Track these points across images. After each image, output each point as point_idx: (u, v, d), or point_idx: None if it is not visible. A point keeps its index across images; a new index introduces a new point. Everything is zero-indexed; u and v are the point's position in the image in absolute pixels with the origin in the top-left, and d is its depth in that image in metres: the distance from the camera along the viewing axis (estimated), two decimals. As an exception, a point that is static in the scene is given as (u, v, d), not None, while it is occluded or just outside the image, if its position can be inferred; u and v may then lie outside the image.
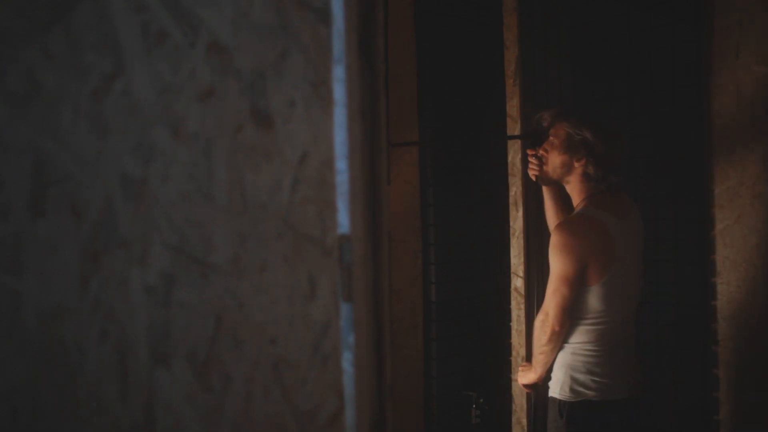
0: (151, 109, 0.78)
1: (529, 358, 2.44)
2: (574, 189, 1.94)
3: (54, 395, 0.74)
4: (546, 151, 1.96)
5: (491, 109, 2.94)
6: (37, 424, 0.73)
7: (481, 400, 2.47)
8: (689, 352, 2.38)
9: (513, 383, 2.95)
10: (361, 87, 0.86)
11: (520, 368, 2.03)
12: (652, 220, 2.48)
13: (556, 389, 1.90)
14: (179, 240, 0.79)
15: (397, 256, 2.72)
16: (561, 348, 1.89)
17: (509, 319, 3.00)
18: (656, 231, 2.47)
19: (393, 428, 0.92)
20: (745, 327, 2.20)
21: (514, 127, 2.92)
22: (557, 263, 1.83)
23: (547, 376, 1.97)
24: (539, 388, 2.13)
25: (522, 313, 2.67)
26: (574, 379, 1.86)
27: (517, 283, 2.67)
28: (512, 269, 2.81)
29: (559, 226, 1.87)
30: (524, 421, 2.85)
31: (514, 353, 2.97)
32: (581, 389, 1.85)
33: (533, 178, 2.07)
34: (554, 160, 1.94)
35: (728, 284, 2.24)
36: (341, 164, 0.85)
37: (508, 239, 2.65)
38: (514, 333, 2.96)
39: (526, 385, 2.09)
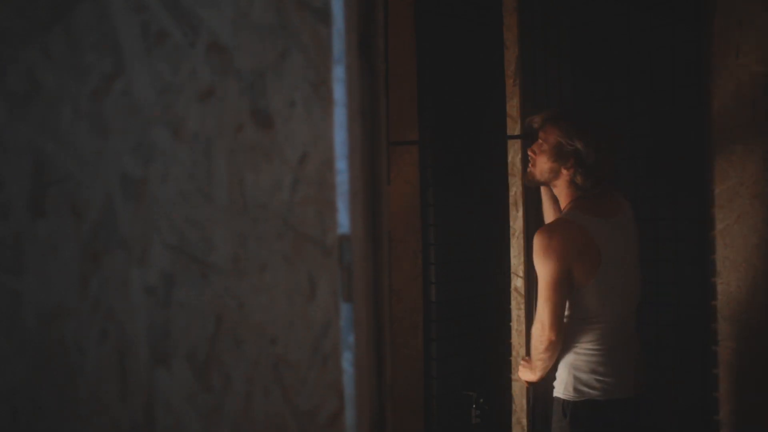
0: (151, 109, 0.78)
1: (529, 352, 2.43)
2: (561, 193, 1.94)
3: (54, 395, 0.74)
4: (534, 153, 1.95)
5: (491, 109, 2.94)
6: (37, 424, 0.73)
7: (481, 400, 2.47)
8: (689, 352, 2.38)
9: (513, 383, 2.95)
10: (361, 87, 0.86)
11: (521, 363, 2.03)
12: (652, 220, 2.48)
13: (560, 389, 1.90)
14: (179, 240, 0.79)
15: (397, 256, 2.73)
16: (567, 349, 1.89)
17: (509, 319, 3.00)
18: (656, 231, 2.47)
19: (393, 428, 0.92)
20: (745, 327, 2.20)
21: (514, 127, 2.91)
22: (541, 269, 1.83)
23: (551, 376, 1.97)
24: (538, 386, 2.14)
25: (522, 313, 2.67)
26: (577, 379, 1.86)
27: (517, 283, 2.67)
28: (512, 269, 2.81)
29: (538, 232, 1.87)
30: (524, 421, 2.85)
31: (514, 353, 2.97)
32: (585, 389, 1.85)
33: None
34: (542, 165, 1.93)
35: (728, 284, 2.24)
36: (341, 164, 0.85)
37: (508, 239, 2.65)
38: (514, 333, 2.96)
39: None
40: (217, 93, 0.80)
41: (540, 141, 1.94)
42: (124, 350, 0.77)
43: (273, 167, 0.83)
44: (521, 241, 2.60)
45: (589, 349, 1.85)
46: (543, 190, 2.14)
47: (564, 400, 1.88)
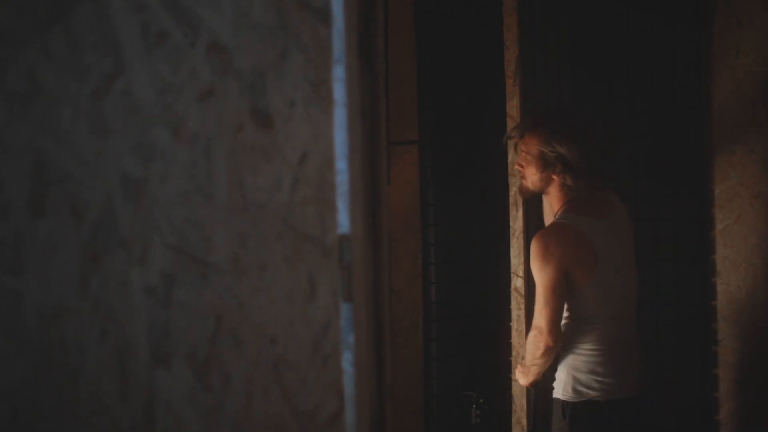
0: (151, 109, 0.78)
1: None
2: (554, 198, 1.93)
3: (54, 395, 0.74)
4: (522, 166, 1.94)
5: (491, 109, 2.94)
6: (37, 424, 0.73)
7: (481, 400, 2.47)
8: (689, 352, 2.38)
9: (513, 383, 2.95)
10: (361, 87, 0.86)
11: (517, 368, 2.04)
12: (652, 220, 2.48)
13: (559, 390, 1.90)
14: (179, 240, 0.79)
15: (397, 256, 2.73)
16: (566, 350, 1.89)
17: (509, 319, 3.00)
18: (656, 231, 2.47)
19: (393, 428, 0.92)
20: (745, 327, 2.20)
21: (514, 127, 2.91)
22: (538, 274, 1.83)
23: (550, 377, 1.97)
24: (539, 386, 2.14)
25: (522, 313, 2.67)
26: (576, 380, 1.85)
27: (517, 283, 2.67)
28: (512, 269, 2.81)
29: (535, 237, 1.86)
30: (524, 421, 2.85)
31: (514, 353, 2.97)
32: (584, 389, 1.85)
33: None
34: (532, 176, 1.92)
35: (728, 284, 2.24)
36: (341, 164, 0.85)
37: (508, 239, 2.65)
38: (514, 333, 2.96)
39: None
40: (217, 93, 0.80)
41: (523, 153, 1.93)
42: (124, 350, 0.77)
43: (273, 167, 0.83)
44: (521, 241, 2.60)
45: (588, 350, 1.85)
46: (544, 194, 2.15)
47: (563, 400, 1.88)
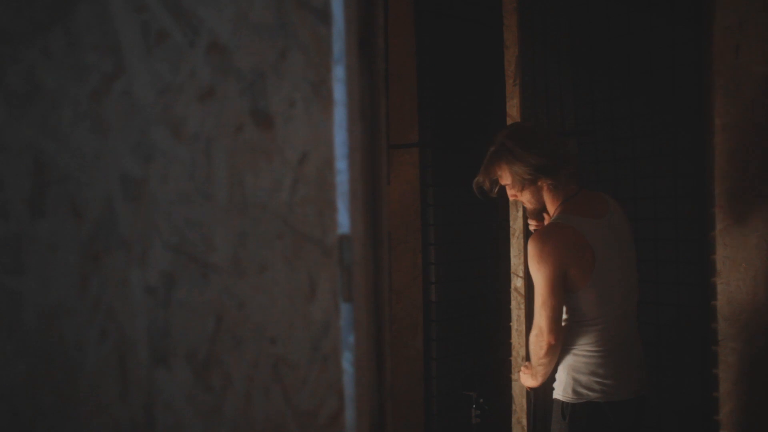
0: (151, 109, 0.78)
1: (529, 357, 2.44)
2: (549, 203, 1.97)
3: (54, 395, 0.74)
4: (515, 195, 2.01)
5: (491, 109, 2.94)
6: (37, 424, 0.73)
7: (481, 400, 2.47)
8: (689, 352, 2.38)
9: (513, 383, 2.95)
10: (361, 87, 0.86)
11: (522, 368, 2.03)
12: (652, 220, 2.48)
13: (559, 391, 1.89)
14: (179, 240, 0.79)
15: (397, 256, 2.73)
16: (566, 351, 1.89)
17: (509, 319, 3.00)
18: (656, 231, 2.47)
19: (393, 428, 0.92)
20: (745, 327, 2.20)
21: (514, 127, 2.91)
22: (537, 274, 1.84)
23: (551, 378, 1.97)
24: (538, 387, 2.14)
25: (522, 313, 2.67)
26: (576, 381, 1.85)
27: (517, 283, 2.67)
28: (512, 269, 2.81)
29: (532, 237, 1.88)
30: (524, 421, 2.85)
31: (514, 353, 2.97)
32: (584, 391, 1.84)
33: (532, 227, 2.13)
34: (526, 199, 1.99)
35: (728, 284, 2.24)
36: (341, 164, 0.85)
37: (508, 239, 2.65)
38: (514, 333, 2.96)
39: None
40: (217, 93, 0.80)
41: (506, 187, 2.00)
42: (124, 350, 0.77)
43: (273, 167, 0.83)
44: (521, 241, 2.60)
45: (589, 351, 1.85)
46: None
47: (563, 402, 1.88)
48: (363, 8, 0.86)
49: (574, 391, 1.85)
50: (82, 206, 0.75)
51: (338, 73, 0.85)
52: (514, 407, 2.95)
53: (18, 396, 0.72)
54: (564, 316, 1.92)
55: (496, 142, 1.97)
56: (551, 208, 1.96)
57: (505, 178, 1.97)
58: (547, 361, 1.87)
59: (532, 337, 1.89)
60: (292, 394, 0.85)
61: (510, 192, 2.01)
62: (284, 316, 0.84)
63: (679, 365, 2.40)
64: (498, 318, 2.98)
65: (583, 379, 1.84)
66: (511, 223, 2.65)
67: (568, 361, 1.88)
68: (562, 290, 1.82)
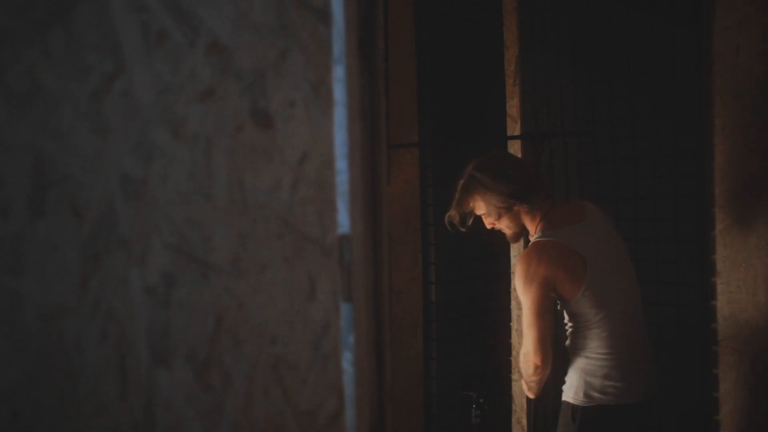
0: (151, 109, 0.78)
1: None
2: (529, 224, 1.99)
3: (54, 395, 0.74)
4: (493, 224, 2.03)
5: (491, 109, 2.94)
6: (37, 424, 0.73)
7: (481, 400, 2.47)
8: (689, 352, 2.38)
9: (513, 383, 2.95)
10: (361, 87, 0.86)
11: (522, 381, 2.03)
12: (652, 220, 2.48)
13: (570, 393, 1.88)
14: (179, 240, 0.79)
15: (397, 256, 2.73)
16: (577, 355, 1.89)
17: (509, 319, 3.00)
18: (656, 231, 2.47)
19: (393, 428, 0.92)
20: (745, 327, 2.20)
21: (514, 127, 2.91)
22: (523, 297, 1.86)
23: (560, 380, 1.96)
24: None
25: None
26: (588, 384, 1.84)
27: (517, 283, 2.67)
28: (512, 269, 2.81)
29: (518, 259, 1.90)
30: (524, 421, 2.85)
31: (514, 353, 2.96)
32: (596, 394, 1.84)
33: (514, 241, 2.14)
34: (506, 227, 2.01)
35: (728, 284, 2.23)
36: (341, 164, 0.85)
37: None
38: (514, 333, 2.96)
39: None
40: (217, 93, 0.80)
41: (482, 217, 2.03)
42: (124, 350, 0.77)
43: (273, 167, 0.83)
44: (521, 241, 2.60)
45: (601, 354, 1.83)
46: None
47: (573, 404, 1.87)
48: (363, 8, 0.86)
49: (586, 395, 1.84)
50: (82, 206, 0.74)
51: (338, 73, 0.85)
52: (514, 407, 2.94)
53: (18, 396, 0.72)
54: (569, 324, 1.92)
55: (465, 174, 2.01)
56: (531, 228, 1.98)
57: (480, 209, 2.00)
58: (536, 380, 1.88)
59: (521, 356, 1.90)
60: (292, 394, 0.85)
61: (487, 221, 2.04)
62: (284, 316, 0.84)
63: (679, 365, 2.40)
64: (498, 318, 2.98)
65: (596, 382, 1.84)
66: (511, 223, 2.65)
67: (580, 364, 1.87)
68: (549, 311, 1.84)
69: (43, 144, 0.73)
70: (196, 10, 0.79)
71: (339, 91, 0.85)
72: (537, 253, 1.85)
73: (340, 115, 0.85)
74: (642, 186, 2.51)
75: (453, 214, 2.05)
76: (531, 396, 1.97)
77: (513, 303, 2.96)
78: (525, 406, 2.83)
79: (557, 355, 1.91)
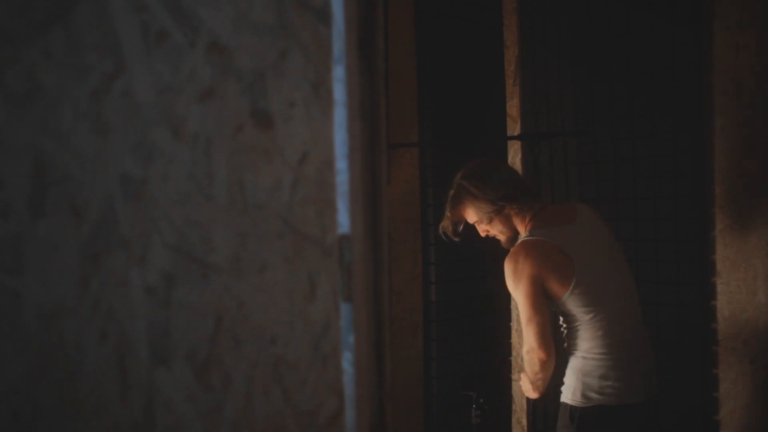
0: (151, 109, 0.78)
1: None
2: (518, 225, 2.00)
3: (54, 395, 0.74)
4: (486, 231, 2.05)
5: (491, 109, 2.94)
6: (36, 424, 0.73)
7: (481, 400, 2.47)
8: (689, 352, 2.38)
9: (513, 383, 2.95)
10: (361, 87, 0.86)
11: (524, 382, 2.02)
12: (652, 220, 2.48)
13: (568, 394, 1.88)
14: (179, 240, 0.79)
15: (397, 256, 2.73)
16: (574, 355, 1.89)
17: (509, 319, 3.00)
18: (656, 231, 2.47)
19: (393, 428, 0.92)
20: (745, 327, 2.20)
21: (514, 127, 2.91)
22: (516, 293, 1.87)
23: (558, 381, 1.96)
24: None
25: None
26: (586, 385, 1.84)
27: (517, 283, 2.67)
28: (512, 269, 2.79)
29: (506, 258, 1.91)
30: (524, 421, 2.85)
31: (514, 353, 2.96)
32: (594, 395, 1.83)
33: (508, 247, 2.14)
34: (497, 230, 2.02)
35: (728, 284, 2.23)
36: (341, 164, 0.85)
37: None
38: (514, 333, 2.96)
39: None
40: (217, 93, 0.80)
41: (474, 224, 2.05)
42: (124, 350, 0.77)
43: (273, 167, 0.83)
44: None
45: (597, 354, 1.83)
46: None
47: (572, 406, 1.86)
48: (363, 8, 0.86)
49: (584, 395, 1.84)
50: (82, 206, 0.74)
51: (338, 73, 0.85)
52: (514, 407, 2.94)
53: (18, 396, 0.72)
54: (564, 325, 1.92)
55: (453, 185, 2.04)
56: (521, 229, 1.99)
57: (471, 217, 2.02)
58: (543, 376, 1.88)
59: (524, 354, 1.89)
60: (292, 394, 0.85)
61: (481, 228, 2.05)
62: (284, 316, 0.84)
63: (679, 365, 2.40)
64: (498, 318, 2.98)
65: (594, 383, 1.83)
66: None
67: (578, 365, 1.87)
68: (544, 304, 1.85)
69: (43, 144, 0.73)
70: (196, 10, 0.79)
71: (339, 91, 0.85)
72: (524, 251, 1.87)
73: (340, 115, 0.85)
74: (642, 186, 2.51)
75: (446, 224, 2.09)
76: (535, 396, 1.96)
77: (513, 303, 2.96)
78: (525, 406, 2.83)
79: (557, 356, 1.91)
